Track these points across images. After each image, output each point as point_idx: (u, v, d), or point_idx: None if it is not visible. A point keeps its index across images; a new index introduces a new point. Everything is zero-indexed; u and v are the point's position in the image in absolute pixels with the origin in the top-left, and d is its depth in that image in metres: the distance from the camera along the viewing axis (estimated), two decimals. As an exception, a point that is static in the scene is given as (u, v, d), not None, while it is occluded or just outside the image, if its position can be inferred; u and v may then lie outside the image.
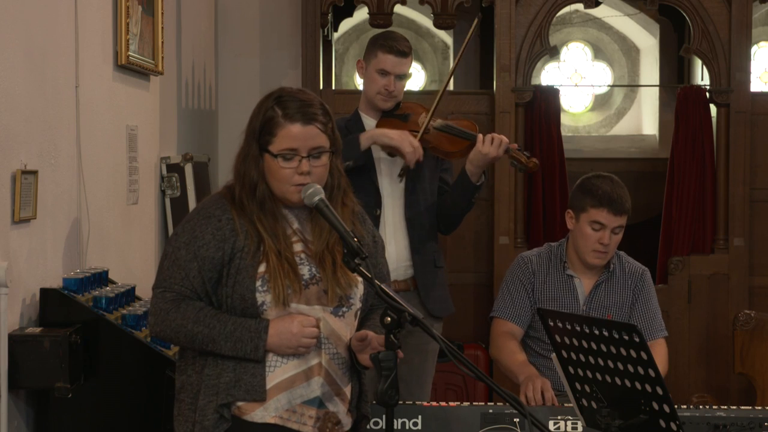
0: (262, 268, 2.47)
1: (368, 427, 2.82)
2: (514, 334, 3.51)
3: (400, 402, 2.49)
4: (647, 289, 3.57)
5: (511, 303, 3.54)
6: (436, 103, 3.90)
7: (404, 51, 3.85)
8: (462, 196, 3.85)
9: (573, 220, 3.53)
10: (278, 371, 2.49)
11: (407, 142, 3.74)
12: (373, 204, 3.81)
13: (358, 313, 2.61)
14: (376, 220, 3.81)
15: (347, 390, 2.58)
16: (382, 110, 3.90)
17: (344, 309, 2.56)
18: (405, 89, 3.98)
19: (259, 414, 2.48)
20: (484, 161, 3.77)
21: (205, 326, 2.46)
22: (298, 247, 2.54)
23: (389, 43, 3.84)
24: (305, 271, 2.51)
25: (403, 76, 3.89)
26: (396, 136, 3.75)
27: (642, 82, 7.98)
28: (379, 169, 3.86)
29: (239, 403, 2.48)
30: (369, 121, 3.91)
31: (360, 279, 2.55)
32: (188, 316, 2.47)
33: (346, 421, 2.58)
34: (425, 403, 2.95)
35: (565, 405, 3.03)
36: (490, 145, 3.74)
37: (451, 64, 7.68)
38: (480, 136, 3.79)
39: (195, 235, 2.51)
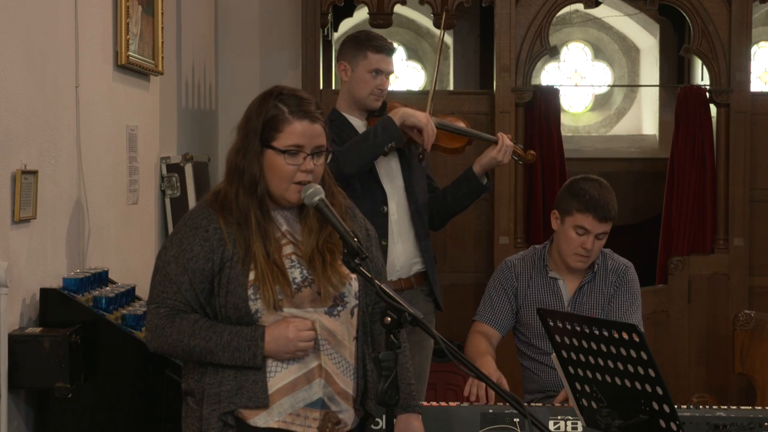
0: (252, 276, 2.46)
1: (369, 426, 2.82)
2: (488, 335, 3.52)
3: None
4: (627, 283, 3.53)
5: (491, 308, 3.57)
6: (430, 100, 3.94)
7: (392, 48, 3.94)
8: (468, 196, 3.94)
9: (558, 221, 3.51)
10: (279, 376, 2.48)
11: (431, 124, 3.78)
12: (379, 202, 3.81)
13: (356, 310, 2.59)
14: (385, 218, 3.80)
15: (350, 389, 2.57)
16: (370, 110, 3.88)
17: (339, 308, 2.54)
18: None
19: (262, 419, 2.47)
20: (493, 165, 3.90)
21: (201, 339, 2.45)
22: (288, 249, 2.53)
23: (378, 42, 3.84)
24: (297, 273, 2.50)
25: (390, 74, 3.93)
26: (422, 116, 3.78)
27: (642, 82, 7.98)
28: (379, 168, 3.85)
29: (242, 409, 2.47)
30: (356, 122, 3.89)
31: (354, 275, 2.53)
32: (184, 330, 2.46)
33: (353, 419, 2.58)
34: (425, 403, 2.95)
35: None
36: (504, 153, 3.85)
37: (452, 64, 7.67)
38: (502, 137, 3.88)
39: (183, 248, 2.50)
